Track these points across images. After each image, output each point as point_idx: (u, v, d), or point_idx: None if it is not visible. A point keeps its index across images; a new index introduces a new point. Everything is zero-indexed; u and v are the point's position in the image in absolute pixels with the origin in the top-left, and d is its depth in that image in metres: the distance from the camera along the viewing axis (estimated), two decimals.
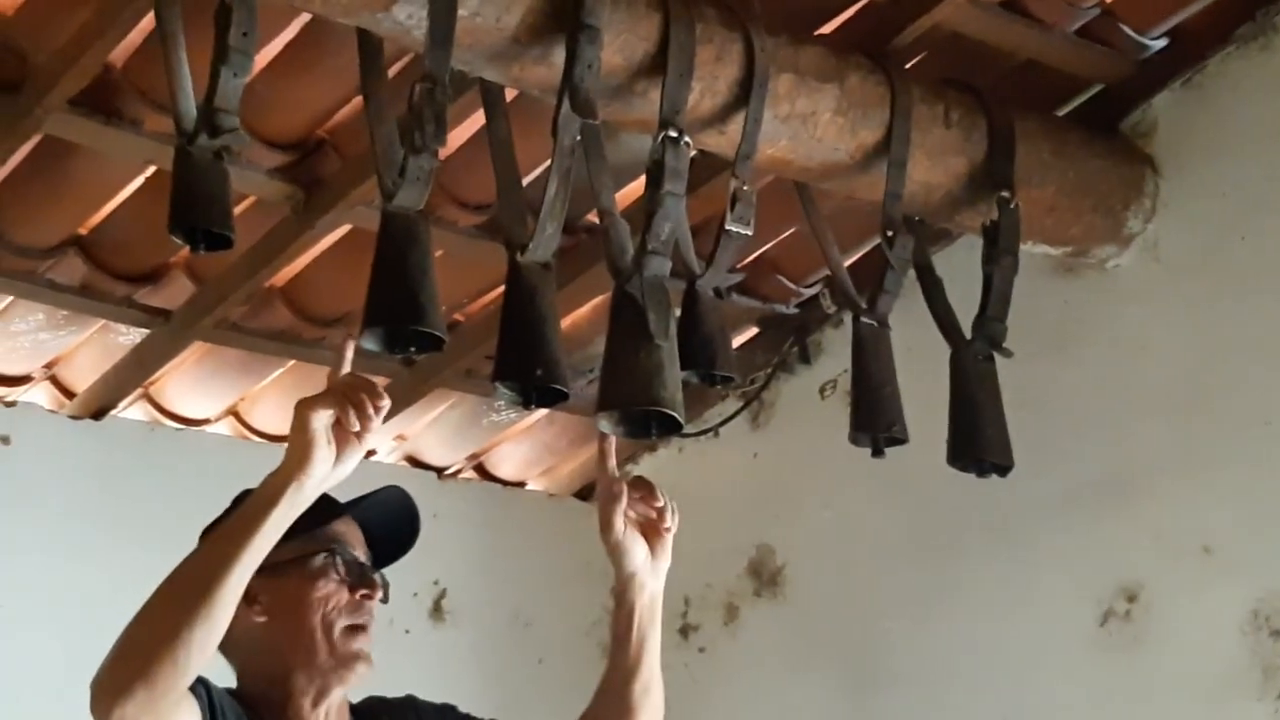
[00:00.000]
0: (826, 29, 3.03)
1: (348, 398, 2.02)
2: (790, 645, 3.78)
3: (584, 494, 4.21)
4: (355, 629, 2.28)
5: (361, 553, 2.33)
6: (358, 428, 2.02)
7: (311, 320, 3.48)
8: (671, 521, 2.37)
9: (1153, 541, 3.24)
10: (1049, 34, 3.14)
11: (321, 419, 2.01)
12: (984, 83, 3.10)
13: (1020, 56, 3.21)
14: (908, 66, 3.02)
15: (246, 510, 2.01)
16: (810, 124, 2.83)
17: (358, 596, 2.28)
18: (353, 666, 2.26)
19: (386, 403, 2.05)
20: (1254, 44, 3.22)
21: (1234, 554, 3.13)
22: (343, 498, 2.30)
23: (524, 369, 2.53)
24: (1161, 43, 3.25)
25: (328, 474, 2.02)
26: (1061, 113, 3.35)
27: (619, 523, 2.34)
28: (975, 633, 3.47)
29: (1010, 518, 3.38)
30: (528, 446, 4.10)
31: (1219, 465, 3.17)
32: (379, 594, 2.30)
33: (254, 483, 2.05)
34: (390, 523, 2.39)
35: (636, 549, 2.35)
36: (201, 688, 2.13)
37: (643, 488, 2.37)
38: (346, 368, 2.10)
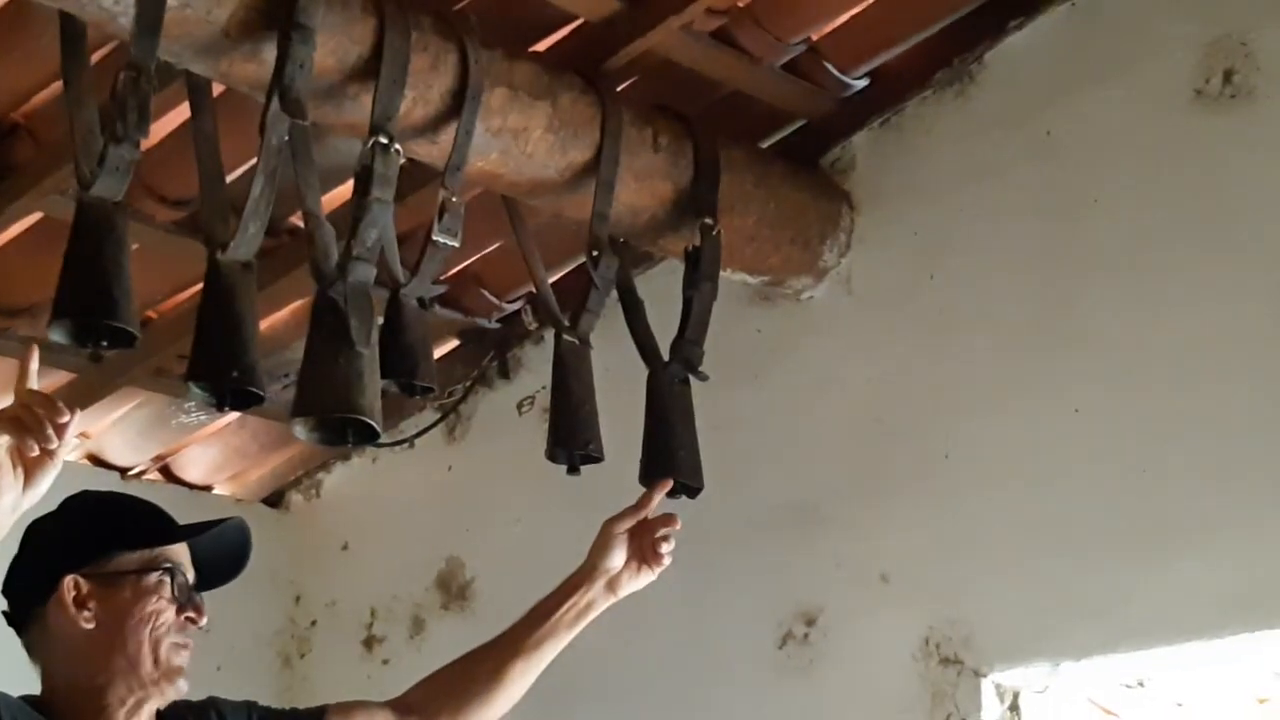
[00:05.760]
0: (541, 46, 3.05)
1: (23, 421, 1.97)
2: None
3: (273, 500, 4.14)
4: (179, 647, 2.35)
5: (190, 577, 2.39)
6: (36, 452, 1.97)
7: None
8: (664, 561, 2.75)
9: (833, 567, 3.31)
10: (757, 67, 3.20)
11: (0, 445, 1.95)
12: (693, 110, 3.15)
13: (728, 87, 3.27)
14: (619, 89, 3.05)
15: None
16: (521, 139, 2.84)
17: (184, 618, 2.35)
18: (174, 681, 2.34)
19: (69, 418, 1.99)
20: (950, 89, 3.30)
21: (909, 583, 3.21)
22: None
23: (219, 370, 2.49)
24: (863, 82, 3.34)
25: (19, 499, 1.98)
26: (766, 145, 3.41)
27: (628, 524, 2.73)
28: (661, 651, 3.50)
29: (698, 539, 3.40)
30: (217, 450, 4.02)
31: (898, 495, 3.24)
32: (204, 619, 2.38)
33: None
34: (219, 555, 2.45)
35: (621, 554, 2.74)
36: None
37: (670, 524, 2.74)
38: (32, 380, 2.04)
